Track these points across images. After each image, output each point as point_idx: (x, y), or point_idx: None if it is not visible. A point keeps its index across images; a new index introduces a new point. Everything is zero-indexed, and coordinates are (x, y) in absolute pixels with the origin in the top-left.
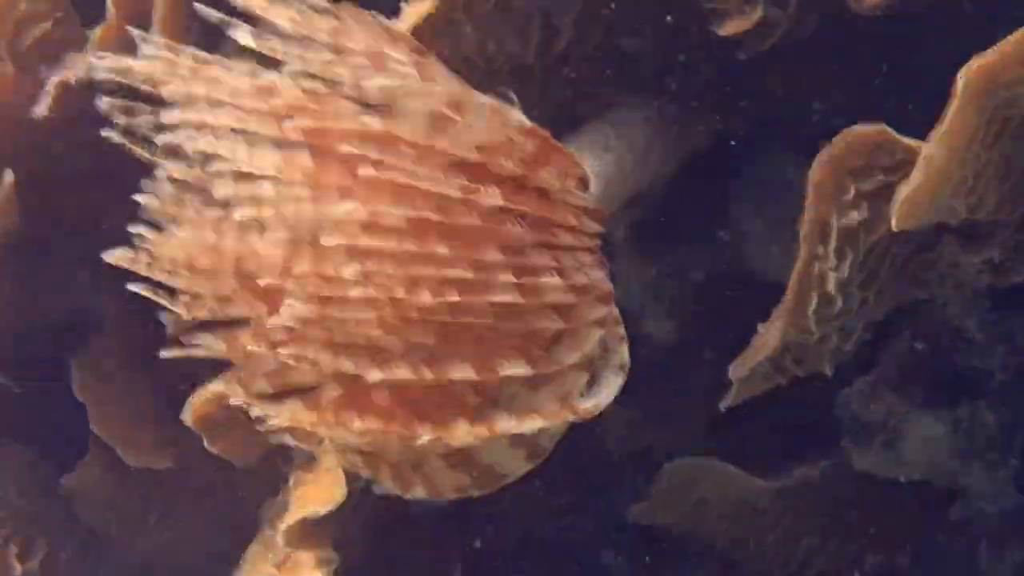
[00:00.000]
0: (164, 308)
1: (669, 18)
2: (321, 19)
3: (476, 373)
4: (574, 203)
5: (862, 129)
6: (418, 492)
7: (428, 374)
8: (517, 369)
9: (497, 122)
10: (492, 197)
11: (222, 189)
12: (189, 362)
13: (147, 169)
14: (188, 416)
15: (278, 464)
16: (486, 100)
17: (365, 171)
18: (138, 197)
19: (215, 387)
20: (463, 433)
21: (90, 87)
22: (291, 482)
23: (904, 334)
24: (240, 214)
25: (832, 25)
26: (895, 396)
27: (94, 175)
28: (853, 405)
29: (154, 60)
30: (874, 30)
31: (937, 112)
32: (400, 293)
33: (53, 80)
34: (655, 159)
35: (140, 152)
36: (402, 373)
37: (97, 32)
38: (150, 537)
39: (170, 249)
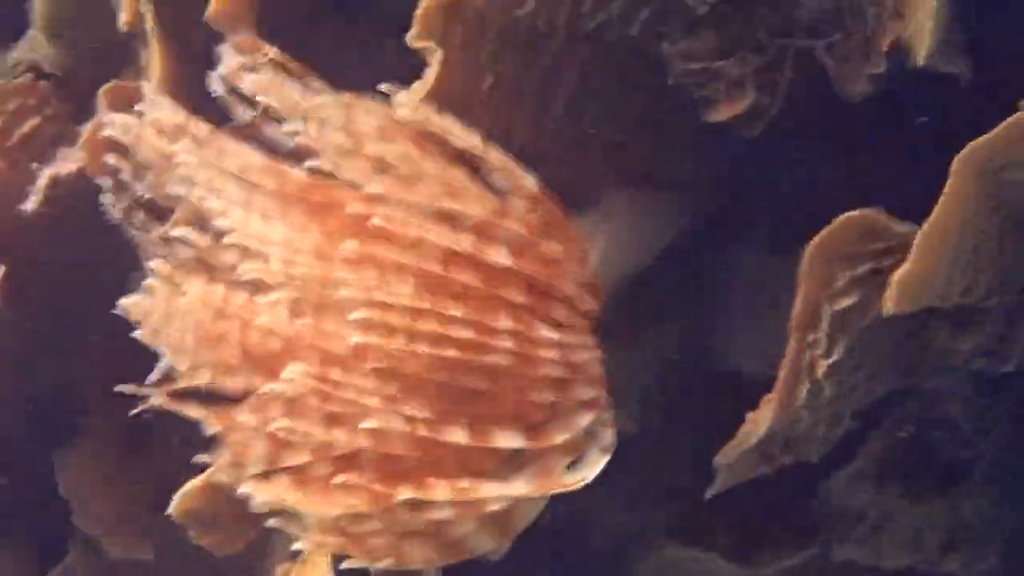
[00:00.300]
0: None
1: (657, 105)
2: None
3: (470, 438)
4: (576, 278)
5: (855, 215)
6: (386, 562)
7: (422, 430)
8: (511, 440)
9: (510, 184)
10: (501, 256)
11: (229, 256)
12: (173, 454)
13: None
14: (175, 509)
15: (263, 556)
16: (503, 158)
17: (373, 224)
18: (149, 262)
19: (201, 480)
20: (445, 493)
21: (81, 180)
22: None
23: (889, 422)
24: (247, 275)
25: (821, 110)
26: (878, 485)
27: (83, 268)
28: (836, 494)
29: (163, 123)
30: (864, 114)
31: (929, 196)
32: (400, 344)
33: (44, 174)
34: (641, 247)
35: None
36: (396, 425)
37: (89, 128)
38: None
39: (175, 314)
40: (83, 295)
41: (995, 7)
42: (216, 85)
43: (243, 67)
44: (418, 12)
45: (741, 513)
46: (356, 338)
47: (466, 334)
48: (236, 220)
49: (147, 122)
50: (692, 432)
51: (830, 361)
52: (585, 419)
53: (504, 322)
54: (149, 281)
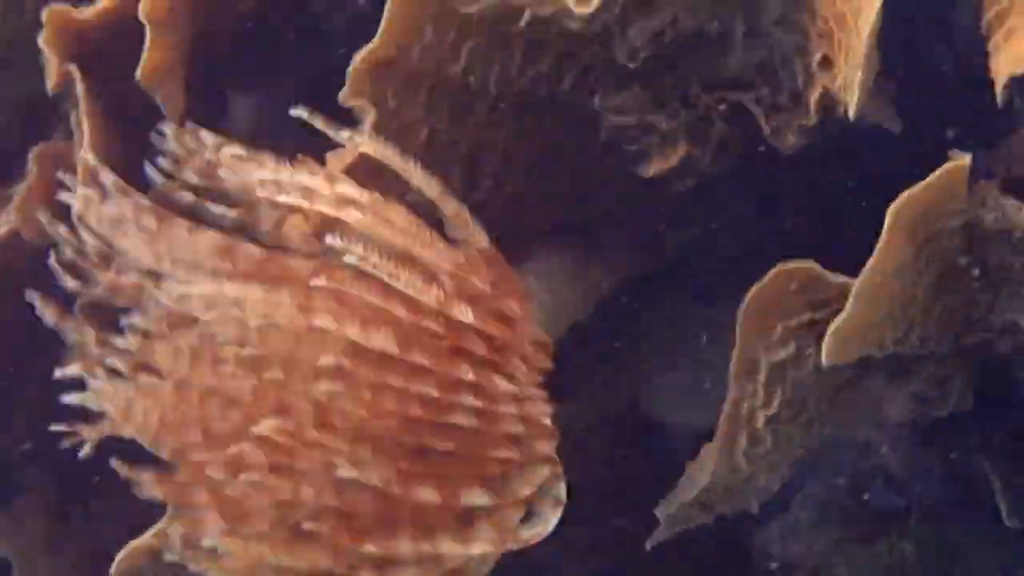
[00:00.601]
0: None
1: (590, 160)
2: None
3: (439, 498)
4: (530, 333)
5: (789, 267)
6: None
7: (393, 489)
8: (477, 498)
9: (464, 236)
10: (464, 314)
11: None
12: (112, 518)
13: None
14: (115, 570)
15: None
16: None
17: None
18: (117, 339)
19: (143, 541)
20: (406, 549)
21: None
22: None
23: (825, 470)
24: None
25: (753, 163)
26: (815, 534)
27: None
28: (774, 541)
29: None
30: (796, 166)
31: (862, 246)
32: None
33: None
34: (575, 301)
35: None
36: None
37: (21, 191)
38: None
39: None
40: (18, 352)
41: (922, 54)
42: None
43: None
44: (350, 70)
45: (683, 562)
46: (325, 386)
47: (432, 390)
48: (201, 289)
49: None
50: (628, 481)
51: (769, 412)
52: (542, 473)
53: (468, 378)
54: (110, 362)
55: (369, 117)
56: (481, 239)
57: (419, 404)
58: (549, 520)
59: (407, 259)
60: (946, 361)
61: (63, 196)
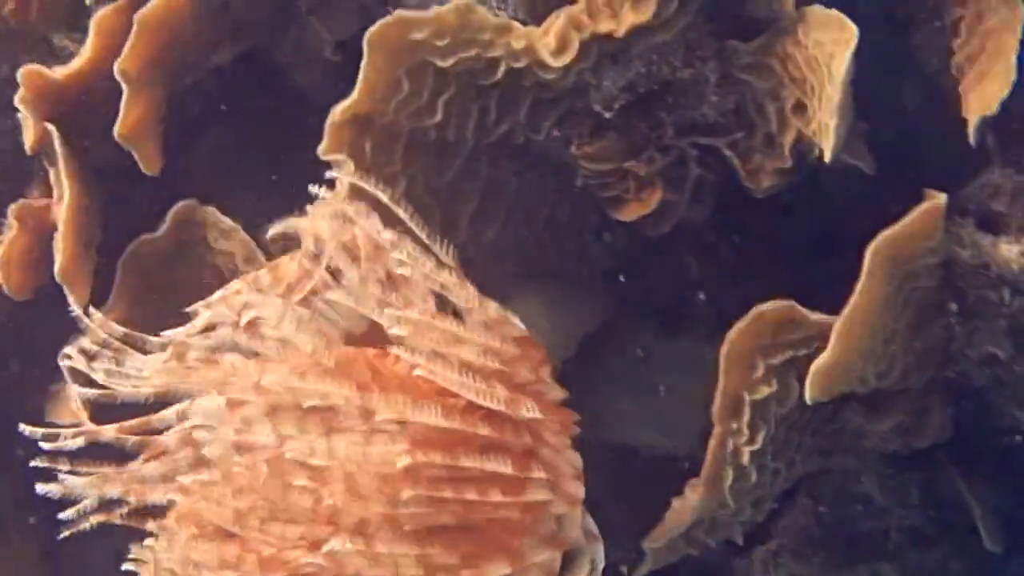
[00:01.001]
0: None
1: (567, 206)
2: None
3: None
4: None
5: (768, 307)
6: None
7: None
8: (499, 569)
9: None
10: (531, 411)
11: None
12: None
13: None
14: None
15: None
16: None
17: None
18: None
19: None
20: None
21: None
22: None
23: (805, 499)
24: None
25: (729, 206)
26: (795, 562)
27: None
28: (757, 568)
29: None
30: (771, 208)
31: (839, 285)
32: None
33: None
34: (560, 343)
35: None
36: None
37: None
38: None
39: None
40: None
41: (893, 92)
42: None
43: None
44: (328, 125)
45: None
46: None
47: (476, 477)
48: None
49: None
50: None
51: (753, 448)
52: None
53: (504, 467)
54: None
55: (347, 169)
56: (515, 328)
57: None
58: None
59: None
60: (925, 393)
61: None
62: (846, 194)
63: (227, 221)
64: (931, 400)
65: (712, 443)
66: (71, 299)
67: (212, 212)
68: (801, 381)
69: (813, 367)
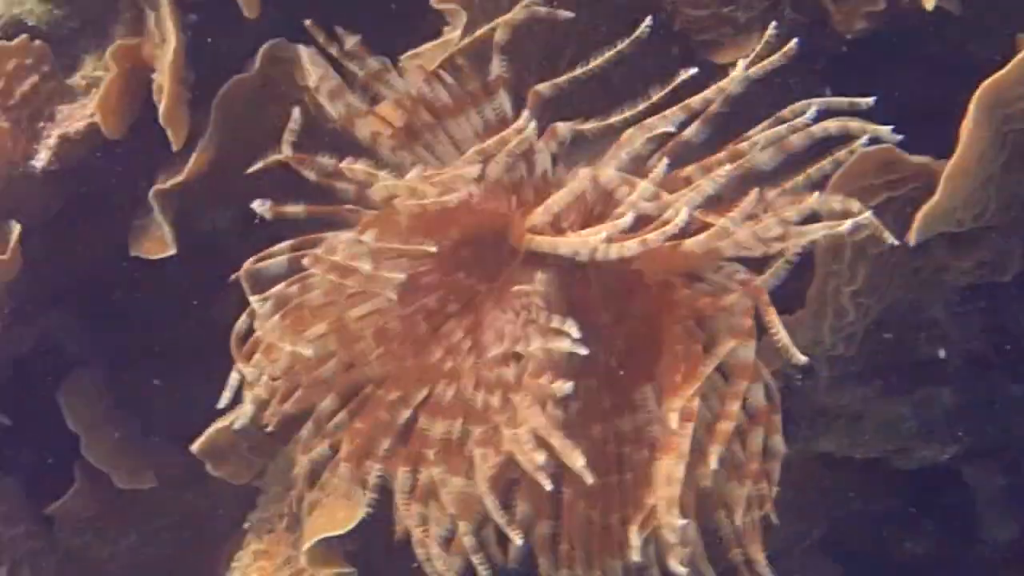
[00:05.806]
0: None
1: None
2: None
3: None
4: None
5: (871, 150)
6: None
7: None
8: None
9: None
10: None
11: None
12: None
13: None
14: (197, 446)
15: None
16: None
17: None
18: None
19: (224, 421)
20: None
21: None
22: (305, 502)
23: (873, 326)
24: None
25: (820, 47)
26: (859, 385)
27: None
28: (820, 392)
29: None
30: (863, 53)
31: (922, 126)
32: None
33: (53, 133)
34: None
35: None
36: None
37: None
38: (129, 555)
39: None
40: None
41: None
42: None
43: None
44: None
45: None
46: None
47: None
48: None
49: None
50: None
51: (853, 287)
52: None
53: None
54: None
55: (460, 19)
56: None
57: None
58: None
59: None
60: (1010, 232)
61: None
62: (932, 38)
63: (318, 58)
64: (1014, 238)
65: (813, 287)
66: (172, 139)
67: (302, 49)
68: (896, 220)
69: (920, 212)
